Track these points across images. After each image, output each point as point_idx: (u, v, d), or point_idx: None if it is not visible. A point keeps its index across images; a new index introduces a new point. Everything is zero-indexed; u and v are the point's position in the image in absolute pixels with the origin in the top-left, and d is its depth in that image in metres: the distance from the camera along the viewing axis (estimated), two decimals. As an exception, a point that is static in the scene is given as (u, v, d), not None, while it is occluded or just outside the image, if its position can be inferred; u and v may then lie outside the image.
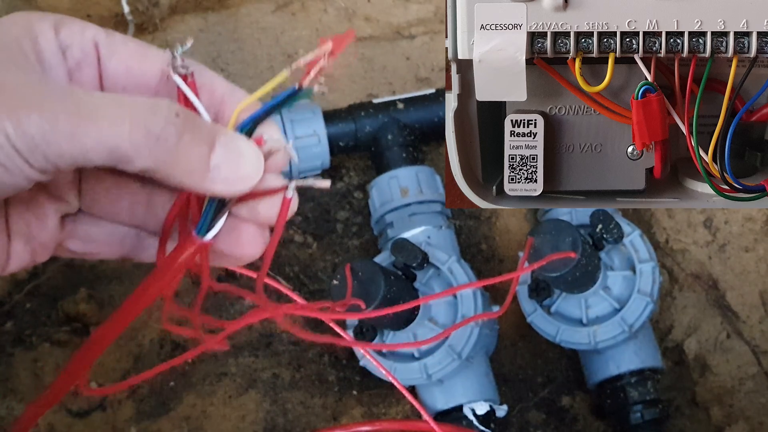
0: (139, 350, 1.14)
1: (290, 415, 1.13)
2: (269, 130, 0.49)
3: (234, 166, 0.47)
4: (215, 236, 0.49)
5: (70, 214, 0.53)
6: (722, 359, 1.11)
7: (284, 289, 0.96)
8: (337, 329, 1.00)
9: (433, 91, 1.20)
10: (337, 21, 1.27)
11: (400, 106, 1.18)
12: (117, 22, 1.21)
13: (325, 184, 0.50)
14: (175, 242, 0.50)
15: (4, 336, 1.14)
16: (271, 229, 0.51)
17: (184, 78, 0.49)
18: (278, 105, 0.49)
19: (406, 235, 1.09)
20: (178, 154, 0.45)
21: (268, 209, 0.50)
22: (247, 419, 1.12)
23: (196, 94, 0.49)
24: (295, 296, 1.03)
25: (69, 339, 1.14)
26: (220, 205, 0.49)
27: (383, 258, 1.06)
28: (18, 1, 1.16)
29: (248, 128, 0.49)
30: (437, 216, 1.12)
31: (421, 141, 1.19)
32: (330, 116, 1.17)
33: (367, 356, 1.01)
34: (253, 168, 0.47)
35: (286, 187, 0.49)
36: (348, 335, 1.01)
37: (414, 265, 1.02)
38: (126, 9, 1.19)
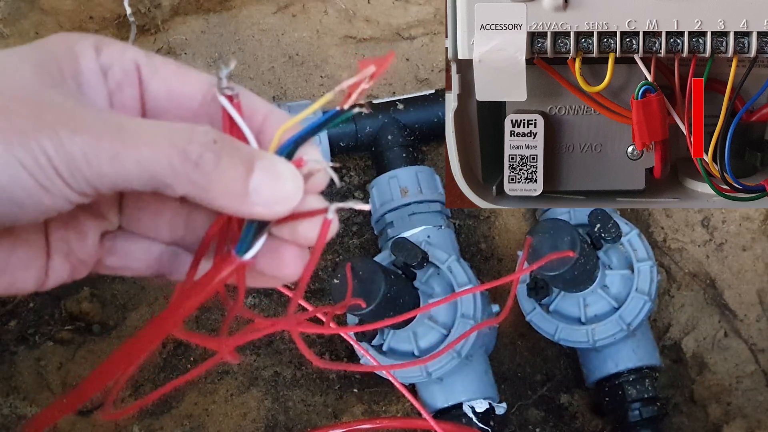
0: (141, 349, 1.14)
1: (291, 412, 1.13)
2: (309, 151, 0.49)
3: (273, 189, 0.47)
4: (255, 256, 0.49)
5: (109, 231, 0.53)
6: (720, 357, 1.11)
7: (305, 303, 0.96)
8: (355, 344, 1.00)
9: (432, 91, 1.20)
10: (337, 22, 1.27)
11: (400, 106, 1.18)
12: (119, 24, 1.22)
13: (366, 207, 0.48)
14: (210, 262, 0.50)
15: (8, 334, 1.14)
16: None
17: (230, 99, 0.49)
18: (320, 127, 0.49)
19: (406, 234, 1.10)
20: (216, 179, 0.45)
21: (309, 230, 0.49)
22: (248, 417, 1.13)
23: (242, 116, 0.49)
24: (308, 305, 1.03)
25: (72, 338, 1.14)
26: (261, 225, 0.48)
27: (383, 257, 1.07)
28: (21, 2, 1.17)
29: (289, 150, 0.48)
30: (437, 215, 1.13)
31: (420, 141, 1.20)
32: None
33: (367, 356, 1.02)
34: (292, 190, 0.47)
35: (326, 210, 0.49)
36: (356, 344, 1.01)
37: (414, 264, 1.02)
38: (128, 10, 1.19)
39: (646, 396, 1.07)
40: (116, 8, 1.19)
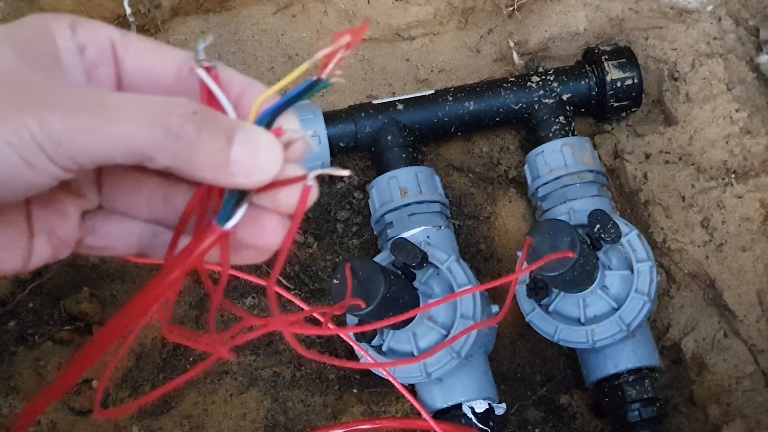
0: (141, 349, 1.15)
1: (291, 413, 1.13)
2: (288, 121, 0.50)
3: (253, 158, 0.48)
4: (236, 226, 0.49)
5: (89, 210, 0.54)
6: (719, 358, 1.11)
7: (296, 299, 0.96)
8: (354, 344, 1.00)
9: (432, 91, 1.20)
10: (337, 22, 1.27)
11: (400, 107, 1.18)
12: (119, 24, 1.22)
13: (345, 172, 0.50)
14: (189, 238, 0.51)
15: (8, 334, 1.14)
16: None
17: (207, 71, 0.50)
18: (297, 96, 0.50)
19: (406, 234, 1.10)
20: (197, 150, 0.46)
21: (289, 198, 0.50)
22: (248, 417, 1.13)
23: (220, 87, 0.50)
24: (302, 303, 1.03)
25: (71, 338, 1.14)
26: (241, 194, 0.49)
27: (383, 257, 1.07)
28: (21, 2, 1.17)
29: (267, 120, 0.49)
30: (436, 216, 1.13)
31: (420, 141, 1.20)
32: (330, 117, 1.17)
33: (367, 357, 1.02)
34: (272, 159, 0.48)
35: (305, 176, 0.49)
36: (355, 344, 1.01)
37: (413, 264, 1.02)
38: (128, 11, 1.19)
39: (645, 396, 1.07)
40: (116, 8, 1.19)
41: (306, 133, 0.50)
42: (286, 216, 0.51)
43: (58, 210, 0.52)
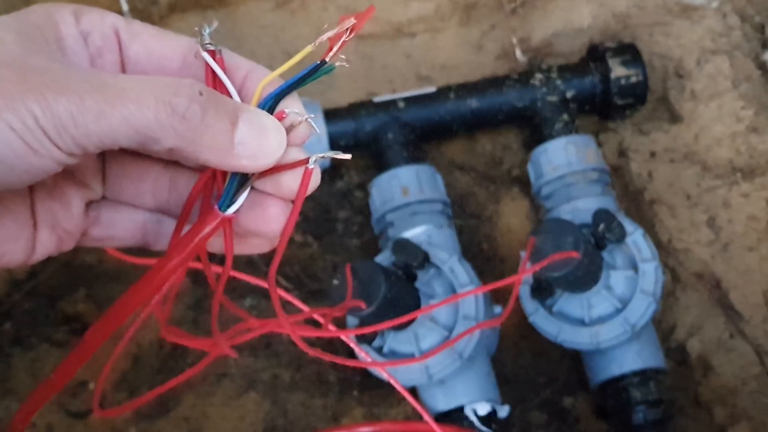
0: (138, 350, 1.14)
1: (290, 415, 1.13)
2: (291, 105, 0.50)
3: (258, 141, 0.48)
4: (239, 212, 0.50)
5: (94, 201, 0.54)
6: (725, 359, 1.11)
7: (295, 300, 0.95)
8: (355, 346, 1.00)
9: (433, 89, 1.19)
10: (337, 19, 1.27)
11: (401, 104, 1.18)
12: (116, 21, 1.21)
13: (345, 156, 0.50)
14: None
15: (3, 336, 1.14)
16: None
17: (212, 54, 0.50)
18: (300, 80, 0.50)
19: (407, 234, 1.09)
20: (203, 131, 0.46)
21: (291, 182, 0.51)
22: (246, 420, 1.12)
23: (224, 71, 0.50)
24: (301, 304, 1.03)
25: (67, 339, 1.14)
26: (243, 179, 0.49)
27: (384, 257, 1.06)
28: (17, 0, 1.17)
29: (270, 104, 0.50)
30: (438, 215, 1.12)
31: (421, 140, 1.19)
32: (330, 115, 1.17)
33: (368, 359, 1.01)
34: (276, 142, 0.49)
35: (308, 160, 0.50)
36: (356, 346, 1.01)
37: (415, 264, 1.02)
38: (125, 7, 1.19)
39: (650, 398, 1.06)
40: (113, 5, 1.19)
41: (309, 116, 0.50)
42: (288, 201, 0.52)
43: (61, 200, 0.52)
